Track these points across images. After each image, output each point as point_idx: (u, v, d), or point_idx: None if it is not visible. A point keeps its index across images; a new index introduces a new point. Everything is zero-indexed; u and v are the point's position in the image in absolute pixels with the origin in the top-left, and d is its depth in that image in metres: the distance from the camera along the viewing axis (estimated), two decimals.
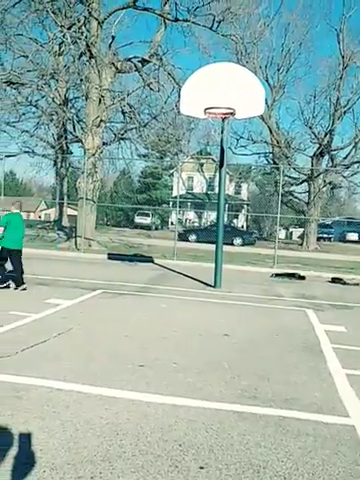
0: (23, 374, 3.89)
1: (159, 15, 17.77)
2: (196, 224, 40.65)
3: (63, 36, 17.93)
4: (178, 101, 13.20)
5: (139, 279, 10.48)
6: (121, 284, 9.52)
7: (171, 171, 46.85)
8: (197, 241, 26.01)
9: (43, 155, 23.69)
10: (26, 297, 7.51)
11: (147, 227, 37.73)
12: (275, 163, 28.51)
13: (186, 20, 17.31)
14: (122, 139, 20.97)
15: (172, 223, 40.90)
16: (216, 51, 22.36)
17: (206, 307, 7.83)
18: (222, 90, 8.83)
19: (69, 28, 17.80)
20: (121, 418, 3.22)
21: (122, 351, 4.80)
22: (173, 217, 41.27)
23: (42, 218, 60.86)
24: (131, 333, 5.57)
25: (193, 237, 27.69)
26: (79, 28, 17.32)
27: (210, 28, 17.14)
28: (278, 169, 24.17)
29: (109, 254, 15.74)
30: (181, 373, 4.23)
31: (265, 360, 4.84)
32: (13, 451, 2.69)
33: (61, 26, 17.77)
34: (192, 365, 4.49)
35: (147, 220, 39.92)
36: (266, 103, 22.36)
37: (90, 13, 17.11)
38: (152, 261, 14.92)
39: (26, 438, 2.85)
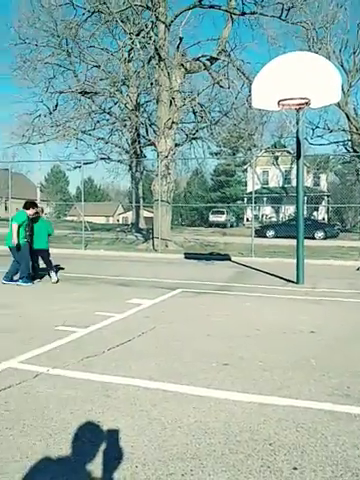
0: (110, 373, 4.00)
1: (225, 11, 17.63)
2: (273, 219, 39.79)
3: (132, 43, 18.39)
4: (249, 96, 13.00)
5: (218, 277, 10.45)
6: (200, 283, 9.54)
7: (245, 167, 46.34)
8: (275, 237, 25.46)
9: (119, 160, 24.50)
10: (109, 298, 7.76)
11: (222, 225, 37.61)
12: (355, 151, 27.15)
13: (253, 12, 17.01)
14: (194, 139, 21.08)
15: (248, 219, 40.37)
16: (286, 41, 21.88)
17: (289, 304, 7.61)
18: (295, 80, 8.54)
19: (137, 34, 18.22)
20: (208, 417, 3.20)
21: (206, 350, 4.79)
22: (249, 213, 40.73)
23: (120, 221, 62.90)
24: (214, 332, 5.54)
25: (271, 233, 27.15)
26: (147, 33, 17.65)
27: (279, 17, 16.69)
28: (359, 157, 23.01)
29: (186, 254, 15.87)
30: (267, 371, 4.12)
31: (355, 357, 4.59)
32: (106, 447, 2.76)
33: (130, 33, 18.25)
34: (278, 363, 4.36)
35: (222, 218, 39.80)
36: (342, 89, 21.32)
37: (157, 17, 17.38)
38: (229, 259, 14.82)
39: (117, 435, 2.91)
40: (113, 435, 2.91)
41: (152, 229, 19.30)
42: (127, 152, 24.79)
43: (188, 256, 15.35)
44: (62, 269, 11.22)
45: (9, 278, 8.97)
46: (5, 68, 21.87)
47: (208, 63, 18.04)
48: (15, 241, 8.76)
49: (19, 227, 8.84)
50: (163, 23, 17.45)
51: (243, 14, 17.43)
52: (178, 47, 17.77)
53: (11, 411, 3.20)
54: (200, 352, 4.69)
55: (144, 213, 33.88)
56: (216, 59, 17.94)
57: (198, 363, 4.34)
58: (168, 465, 2.57)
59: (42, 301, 7.41)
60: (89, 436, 2.89)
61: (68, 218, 60.12)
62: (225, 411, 3.29)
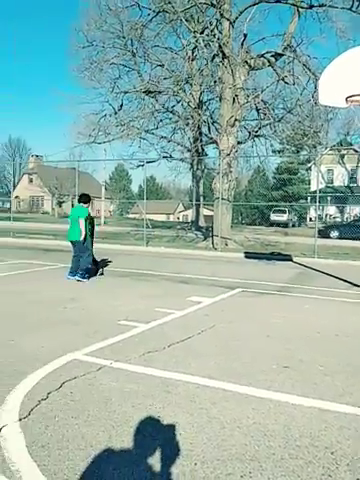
0: (171, 369, 4.07)
1: (292, 4, 17.23)
2: (338, 219, 38.43)
3: (196, 41, 18.46)
4: (315, 92, 12.65)
5: (278, 278, 10.28)
6: (260, 283, 9.43)
7: (308, 165, 45.11)
8: (340, 237, 24.57)
9: (180, 159, 24.69)
10: (170, 295, 7.86)
11: (283, 224, 36.85)
12: None
13: (322, 5, 16.50)
14: (256, 136, 20.81)
15: (311, 219, 39.28)
16: (356, 34, 20.93)
17: (353, 308, 7.34)
18: None
19: (201, 32, 18.26)
20: (268, 419, 3.17)
21: (265, 351, 4.74)
22: (312, 213, 39.61)
23: (180, 219, 63.42)
24: (273, 333, 5.46)
25: (335, 233, 26.25)
26: (211, 31, 17.64)
27: (349, 9, 16.07)
28: None
29: (246, 253, 15.72)
30: (328, 376, 4.02)
31: None
32: (165, 442, 2.82)
33: (194, 32, 18.32)
34: (340, 368, 4.23)
35: (283, 217, 38.99)
36: None
37: (222, 14, 17.31)
38: (291, 259, 14.51)
39: (176, 431, 2.96)
40: (173, 431, 2.97)
41: (212, 227, 19.29)
42: (189, 150, 24.92)
43: (248, 255, 15.20)
44: (110, 262, 11.50)
45: (74, 273, 9.29)
46: (73, 70, 22.60)
47: (273, 59, 17.73)
48: (83, 235, 8.95)
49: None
50: (227, 20, 17.35)
51: (311, 7, 16.96)
52: (242, 44, 17.61)
53: (76, 401, 3.34)
54: (260, 353, 4.65)
55: (204, 211, 33.92)
56: (281, 55, 17.60)
57: (257, 364, 4.30)
58: (227, 465, 2.58)
59: (105, 296, 7.65)
60: (150, 430, 2.96)
61: (130, 215, 61.53)
62: (285, 414, 3.25)
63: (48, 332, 5.22)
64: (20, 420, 3.01)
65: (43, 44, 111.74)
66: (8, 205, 69.67)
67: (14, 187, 45.26)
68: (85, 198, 9.34)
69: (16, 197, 56.55)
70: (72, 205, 22.63)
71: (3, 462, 2.53)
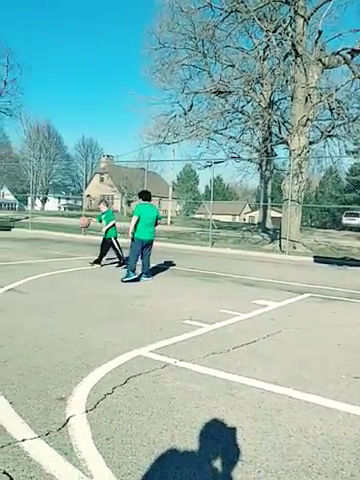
0: (235, 372, 4.00)
1: None
2: None
3: (268, 40, 18.17)
4: None
5: (350, 284, 9.83)
6: (330, 289, 9.07)
7: None
8: None
9: (249, 159, 24.43)
10: (235, 297, 7.78)
11: (356, 228, 35.32)
12: None
13: None
14: (329, 137, 20.10)
15: None
16: None
17: None
18: None
19: (274, 31, 17.93)
20: (336, 431, 3.02)
21: (334, 359, 4.54)
22: None
23: (246, 221, 62.78)
24: (344, 341, 5.22)
25: None
26: (284, 29, 17.28)
27: None
28: None
29: (315, 257, 15.23)
30: None
31: None
32: (229, 446, 2.77)
33: (266, 31, 18.04)
34: None
35: (356, 220, 37.38)
36: None
37: (296, 11, 16.91)
38: None
39: (240, 436, 2.90)
40: (236, 435, 2.91)
41: (280, 229, 18.88)
42: (258, 151, 24.59)
43: (318, 259, 14.71)
44: (170, 262, 11.53)
45: (148, 274, 9.20)
46: (145, 72, 23.09)
47: (349, 57, 17.01)
48: (129, 233, 8.76)
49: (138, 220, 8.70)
50: (302, 17, 16.91)
51: None
52: (316, 41, 17.07)
53: (140, 398, 3.38)
54: (329, 361, 4.46)
55: (272, 213, 33.32)
56: (358, 51, 16.84)
57: (326, 373, 4.13)
58: (292, 476, 2.48)
59: (170, 294, 7.71)
60: (213, 433, 2.93)
61: (196, 216, 61.85)
62: (355, 428, 3.08)
63: (115, 327, 5.34)
64: (86, 412, 3.09)
65: (117, 47, 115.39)
66: (80, 203, 72.44)
67: (86, 186, 47.03)
68: (149, 195, 9.15)
69: (88, 196, 58.75)
70: None
71: (71, 451, 2.60)
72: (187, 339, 4.97)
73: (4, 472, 2.37)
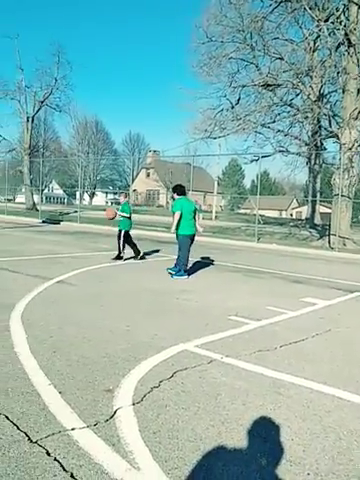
0: (282, 370, 3.92)
1: None
2: None
3: (319, 30, 17.63)
4: None
5: None
6: None
7: None
8: None
9: (297, 153, 23.88)
10: (282, 294, 7.64)
11: None
12: None
13: None
14: None
15: None
16: None
17: None
18: None
19: (326, 20, 17.39)
20: None
21: None
22: None
23: (293, 216, 61.56)
24: None
25: None
26: (337, 18, 16.72)
27: None
28: None
29: None
30: None
31: None
32: (276, 445, 2.72)
33: (318, 20, 17.51)
34: None
35: None
36: None
37: None
38: None
39: (288, 435, 2.84)
40: (284, 435, 2.85)
41: (329, 225, 18.37)
42: (307, 144, 24.00)
43: None
44: (207, 258, 11.42)
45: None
46: (192, 66, 23.00)
47: None
48: (173, 229, 8.59)
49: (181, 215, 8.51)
50: (356, 4, 16.27)
51: None
52: None
53: (186, 392, 3.37)
54: None
55: (320, 208, 32.47)
56: None
57: None
58: None
59: (215, 290, 7.67)
60: (260, 431, 2.88)
61: (241, 211, 61.29)
62: None
63: (161, 321, 5.37)
64: (133, 404, 3.12)
65: (163, 42, 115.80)
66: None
67: (132, 181, 47.65)
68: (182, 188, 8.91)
69: (134, 190, 59.52)
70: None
71: (118, 442, 2.63)
72: (233, 335, 4.92)
73: (55, 459, 2.43)
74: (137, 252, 10.90)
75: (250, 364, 4.02)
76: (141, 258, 10.89)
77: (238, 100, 22.05)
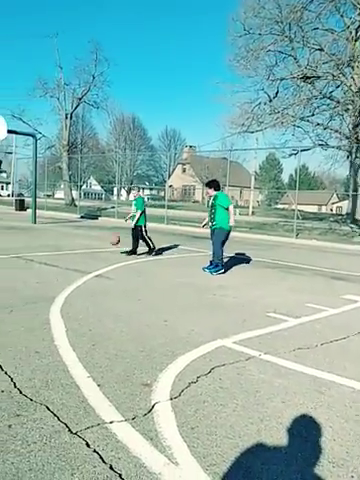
0: (323, 369, 3.82)
1: None
2: None
3: None
4: None
5: None
6: None
7: None
8: None
9: (337, 147, 23.24)
10: (322, 291, 7.46)
11: None
12: None
13: None
14: None
15: None
16: None
17: None
18: None
19: None
20: None
21: None
22: None
23: (333, 211, 60.17)
24: None
25: None
26: None
27: None
28: None
29: None
30: None
31: None
32: (318, 445, 2.64)
33: None
34: None
35: None
36: None
37: None
38: None
39: (330, 435, 2.76)
40: (326, 435, 2.77)
41: None
42: (347, 138, 23.31)
43: None
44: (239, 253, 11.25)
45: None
46: (229, 60, 22.76)
47: None
48: (232, 222, 8.42)
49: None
50: None
51: None
52: None
53: (224, 389, 3.34)
54: None
55: None
56: None
57: None
58: None
59: (253, 286, 7.58)
60: (300, 430, 2.81)
61: (279, 206, 60.38)
62: None
63: (198, 316, 5.35)
64: (171, 399, 3.11)
65: (199, 36, 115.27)
66: (162, 193, 73.79)
67: (169, 176, 47.77)
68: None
69: (170, 186, 59.69)
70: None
71: (156, 436, 2.63)
72: (271, 332, 4.83)
73: (94, 450, 2.45)
74: (151, 248, 10.57)
75: (289, 362, 3.94)
76: (157, 253, 10.65)
77: (276, 93, 21.69)
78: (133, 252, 10.44)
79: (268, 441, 2.66)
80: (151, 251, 10.56)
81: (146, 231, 10.53)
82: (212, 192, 8.65)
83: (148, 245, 10.56)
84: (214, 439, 2.65)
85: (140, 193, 11.30)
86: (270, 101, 21.77)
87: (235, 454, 2.51)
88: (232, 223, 8.45)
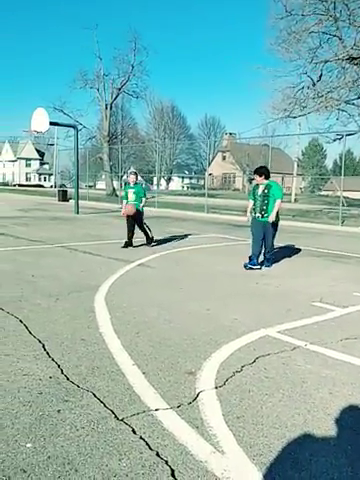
0: None
1: None
2: None
3: None
4: None
5: None
6: None
7: None
8: None
9: None
10: None
11: None
12: None
13: None
14: None
15: None
16: None
17: None
18: None
19: None
20: None
21: None
22: None
23: None
24: None
25: None
26: None
27: None
28: None
29: None
30: None
31: None
32: None
33: None
34: None
35: None
36: None
37: None
38: None
39: None
40: None
41: None
42: None
43: None
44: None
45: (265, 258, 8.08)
46: (270, 44, 22.18)
47: None
48: (273, 218, 7.63)
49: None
50: None
51: None
52: None
53: (270, 379, 3.29)
54: None
55: None
56: None
57: None
58: None
59: (297, 275, 7.42)
60: (349, 422, 2.73)
61: (323, 193, 58.88)
62: None
63: (241, 305, 5.30)
64: (216, 388, 3.10)
65: (238, 22, 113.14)
66: (202, 182, 73.46)
67: (209, 164, 47.50)
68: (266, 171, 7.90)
69: (210, 174, 59.35)
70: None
71: (201, 425, 2.63)
72: (317, 322, 4.72)
73: (141, 437, 2.48)
74: (150, 236, 10.04)
75: (337, 352, 3.84)
76: (148, 242, 10.03)
77: (320, 76, 20.97)
78: (129, 244, 9.72)
79: (316, 432, 2.60)
80: (150, 241, 10.00)
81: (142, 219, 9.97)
82: (263, 180, 7.79)
83: (147, 235, 10.00)
84: (260, 429, 2.62)
85: (139, 178, 10.80)
86: (313, 85, 21.09)
87: (282, 445, 2.47)
88: (272, 218, 7.66)
